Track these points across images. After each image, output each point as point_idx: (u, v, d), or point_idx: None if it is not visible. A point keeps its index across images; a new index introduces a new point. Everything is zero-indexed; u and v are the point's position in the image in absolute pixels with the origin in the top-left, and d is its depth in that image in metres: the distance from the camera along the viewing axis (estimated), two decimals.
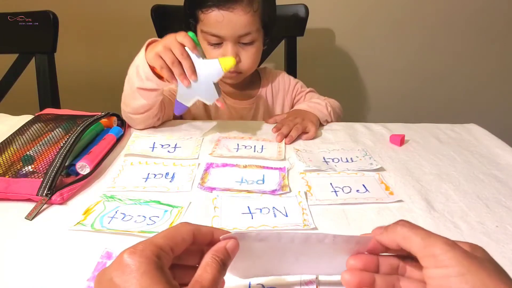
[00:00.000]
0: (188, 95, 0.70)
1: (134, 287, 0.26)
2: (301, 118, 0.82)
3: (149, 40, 0.73)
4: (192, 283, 0.29)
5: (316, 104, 0.90)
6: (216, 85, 0.70)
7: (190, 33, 0.69)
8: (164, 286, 0.27)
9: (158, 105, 0.79)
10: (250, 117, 0.99)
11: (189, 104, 0.71)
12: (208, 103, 0.72)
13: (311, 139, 0.79)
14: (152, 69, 0.70)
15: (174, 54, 0.67)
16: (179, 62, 0.68)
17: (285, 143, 0.75)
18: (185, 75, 0.68)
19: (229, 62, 0.68)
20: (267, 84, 1.01)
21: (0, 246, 0.47)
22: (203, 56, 0.70)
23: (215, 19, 0.82)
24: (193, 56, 0.68)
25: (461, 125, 0.87)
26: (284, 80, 1.03)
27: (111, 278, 0.27)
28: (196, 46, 0.68)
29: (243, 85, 0.99)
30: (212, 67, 0.69)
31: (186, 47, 0.68)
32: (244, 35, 0.84)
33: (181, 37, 0.68)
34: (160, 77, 0.71)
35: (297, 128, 0.78)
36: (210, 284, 0.29)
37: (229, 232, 0.33)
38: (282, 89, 1.02)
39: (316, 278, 0.42)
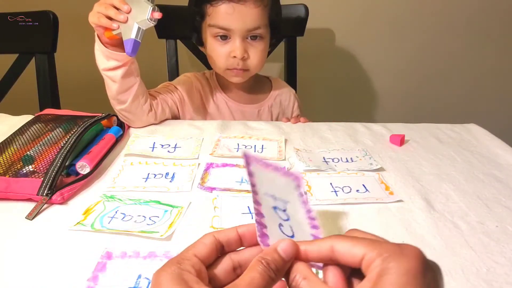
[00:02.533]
0: (129, 27, 0.70)
1: None
2: None
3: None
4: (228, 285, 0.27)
5: None
6: (147, 1, 0.69)
7: None
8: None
9: (140, 91, 0.80)
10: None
11: (133, 35, 0.70)
12: (147, 19, 0.70)
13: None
14: (108, 46, 0.74)
15: (105, 2, 0.71)
16: (112, 7, 0.70)
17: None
18: (119, 13, 0.70)
19: None
20: (276, 95, 1.01)
21: (0, 246, 0.47)
22: None
23: (224, 11, 0.82)
24: None
25: (461, 125, 0.87)
26: (291, 100, 1.03)
27: None
28: None
29: (251, 88, 0.99)
30: None
31: None
32: (253, 29, 0.84)
33: None
34: (118, 50, 0.74)
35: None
36: (244, 286, 0.26)
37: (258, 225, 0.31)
38: (287, 106, 1.03)
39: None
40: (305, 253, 0.29)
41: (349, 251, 0.28)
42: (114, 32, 0.72)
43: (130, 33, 0.70)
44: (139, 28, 0.70)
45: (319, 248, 0.29)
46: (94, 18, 0.72)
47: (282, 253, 0.28)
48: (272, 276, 0.27)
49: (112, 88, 0.78)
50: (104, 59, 0.76)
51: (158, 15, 0.70)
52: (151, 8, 0.69)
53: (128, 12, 0.70)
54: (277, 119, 1.01)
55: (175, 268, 0.28)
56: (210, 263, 0.30)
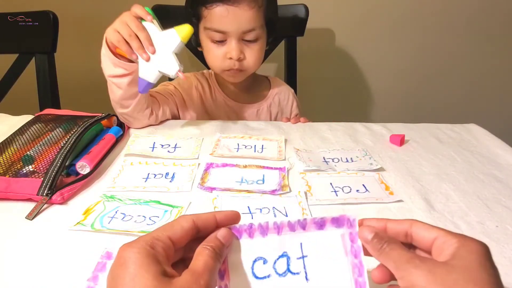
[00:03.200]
0: (150, 70, 0.69)
1: (125, 277, 0.27)
2: None
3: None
4: (184, 272, 0.29)
5: None
6: (176, 56, 0.69)
7: (147, 8, 0.69)
8: (153, 274, 0.27)
9: (143, 98, 0.79)
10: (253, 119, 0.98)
11: (152, 79, 0.69)
12: (170, 74, 0.70)
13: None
14: (117, 54, 0.71)
15: (130, 28, 0.68)
16: (136, 36, 0.68)
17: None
18: (144, 49, 0.68)
19: (185, 30, 0.68)
20: (275, 94, 1.01)
21: (0, 246, 0.47)
22: (161, 29, 0.69)
23: (219, 14, 0.82)
24: (150, 28, 0.67)
25: (461, 125, 0.87)
26: (290, 99, 1.03)
27: (110, 273, 0.29)
28: (153, 18, 0.69)
29: (250, 87, 0.99)
30: (170, 37, 0.68)
31: (143, 20, 0.68)
32: (248, 31, 0.83)
33: (137, 9, 0.68)
34: (126, 60, 0.72)
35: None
36: (202, 269, 0.29)
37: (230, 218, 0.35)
38: (285, 106, 1.03)
39: None
40: (386, 227, 0.34)
41: (426, 230, 0.32)
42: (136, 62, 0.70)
43: (148, 75, 0.69)
44: (159, 74, 0.70)
45: (399, 223, 0.34)
46: (114, 38, 0.69)
47: (222, 239, 0.32)
48: (218, 258, 0.31)
49: (116, 93, 0.77)
50: (111, 65, 0.73)
51: (182, 75, 0.70)
52: (178, 68, 0.69)
53: (153, 53, 0.68)
54: (275, 119, 1.01)
55: (147, 247, 0.29)
56: (181, 246, 0.32)
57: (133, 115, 0.79)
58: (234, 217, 0.35)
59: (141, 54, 0.68)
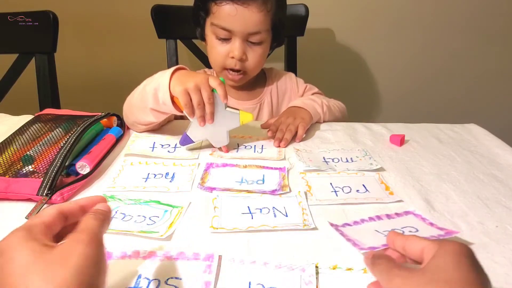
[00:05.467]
0: (199, 133, 0.70)
1: (6, 262, 0.29)
2: (292, 118, 0.81)
3: (178, 66, 0.71)
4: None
5: (312, 101, 0.88)
6: (228, 132, 0.71)
7: (222, 79, 0.69)
8: (32, 247, 0.30)
9: (160, 124, 0.79)
10: (255, 117, 0.98)
11: (196, 140, 0.71)
12: (215, 146, 0.72)
13: (300, 140, 0.78)
14: (171, 96, 0.68)
15: (201, 96, 0.66)
16: (204, 105, 0.67)
17: (282, 147, 0.75)
18: (204, 118, 0.68)
19: (248, 118, 0.70)
20: (273, 84, 1.01)
21: None
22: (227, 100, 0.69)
23: (228, 13, 0.82)
24: (218, 100, 0.68)
25: (461, 125, 0.87)
26: (292, 80, 1.02)
27: None
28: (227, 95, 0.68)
29: (248, 84, 0.99)
30: (232, 118, 0.70)
31: (214, 90, 0.67)
32: (254, 33, 0.84)
33: (215, 83, 0.67)
34: (178, 109, 0.70)
35: (290, 130, 0.77)
36: (82, 227, 0.33)
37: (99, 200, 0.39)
38: (290, 89, 1.02)
39: (317, 278, 0.42)
40: (404, 247, 0.38)
41: (416, 243, 0.36)
42: (184, 114, 0.69)
43: (195, 136, 0.70)
44: (204, 139, 0.72)
45: (414, 241, 0.37)
46: (182, 98, 0.66)
47: (102, 207, 0.37)
48: (100, 217, 0.35)
49: (148, 118, 0.74)
50: (159, 101, 0.70)
51: (225, 150, 0.72)
52: (226, 143, 0.71)
53: (210, 124, 0.68)
54: (278, 110, 1.00)
55: (25, 232, 0.32)
56: (56, 232, 0.34)
57: (145, 128, 0.79)
58: (98, 201, 0.38)
59: (199, 122, 0.68)
